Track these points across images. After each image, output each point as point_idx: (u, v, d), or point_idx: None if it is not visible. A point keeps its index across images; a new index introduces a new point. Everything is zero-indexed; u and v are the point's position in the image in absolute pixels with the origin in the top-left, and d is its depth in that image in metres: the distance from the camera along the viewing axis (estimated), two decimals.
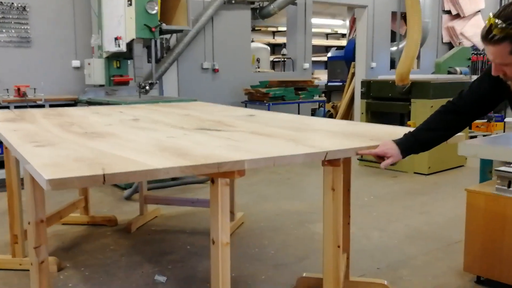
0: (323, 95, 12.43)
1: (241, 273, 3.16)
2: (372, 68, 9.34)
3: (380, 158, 2.10)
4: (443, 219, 4.24)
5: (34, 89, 5.39)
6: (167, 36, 6.34)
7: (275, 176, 5.95)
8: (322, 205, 2.30)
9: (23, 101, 5.22)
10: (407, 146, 2.10)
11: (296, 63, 8.27)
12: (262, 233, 3.94)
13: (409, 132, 2.15)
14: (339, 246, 2.26)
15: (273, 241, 3.75)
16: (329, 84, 11.76)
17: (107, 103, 4.74)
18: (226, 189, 1.87)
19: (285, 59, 8.79)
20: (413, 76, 6.26)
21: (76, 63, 6.12)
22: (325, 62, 13.03)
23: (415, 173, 5.97)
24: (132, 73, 5.72)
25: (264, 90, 6.73)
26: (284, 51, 9.00)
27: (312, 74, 15.10)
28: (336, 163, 2.13)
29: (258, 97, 6.85)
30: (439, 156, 5.77)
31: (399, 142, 2.11)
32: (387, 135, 2.32)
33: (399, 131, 2.32)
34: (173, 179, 5.06)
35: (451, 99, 2.15)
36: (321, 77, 13.69)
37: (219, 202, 1.86)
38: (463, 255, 2.96)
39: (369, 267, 3.25)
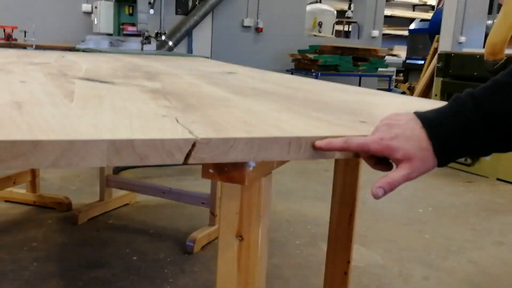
0: (401, 74, 10.80)
1: None
2: (460, 43, 7.62)
3: (378, 161, 0.82)
4: None
5: (25, 32, 4.47)
6: None
7: (309, 166, 4.67)
8: None
9: (8, 45, 4.30)
10: (456, 132, 0.75)
11: (363, 30, 6.81)
12: None
13: (467, 93, 0.79)
14: None
15: None
16: (408, 61, 10.08)
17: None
18: None
19: (350, 23, 7.34)
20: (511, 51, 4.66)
21: (86, 7, 5.15)
22: (407, 37, 11.29)
23: (499, 179, 4.43)
24: (153, 23, 4.65)
25: (311, 56, 5.40)
26: (349, 13, 7.55)
27: (391, 49, 13.39)
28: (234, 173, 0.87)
29: (305, 65, 5.55)
30: None
31: (431, 121, 0.76)
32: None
33: None
34: None
35: None
36: (402, 54, 11.99)
37: None
38: None
39: None
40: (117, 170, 3.98)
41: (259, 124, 0.85)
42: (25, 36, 4.51)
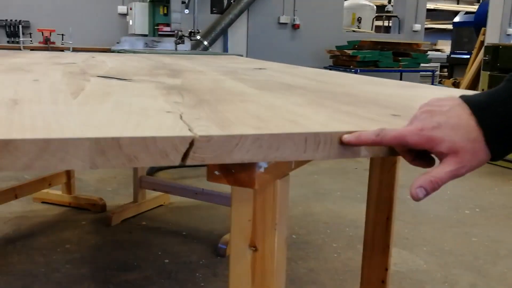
0: (445, 70, 10.41)
1: None
2: (508, 35, 7.25)
3: (417, 155, 0.69)
4: None
5: (62, 35, 4.51)
6: None
7: (349, 164, 4.52)
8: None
9: (46, 49, 4.36)
10: None
11: (404, 24, 6.56)
12: None
13: None
14: None
15: (292, 268, 2.44)
16: (452, 56, 9.71)
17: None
18: None
19: (390, 17, 7.09)
20: None
21: (122, 9, 5.17)
22: (451, 30, 10.87)
23: None
24: (187, 22, 4.62)
25: (350, 52, 5.23)
26: (388, 7, 7.29)
27: (435, 44, 12.95)
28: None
29: (344, 61, 5.38)
30: None
31: (482, 106, 0.63)
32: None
33: None
34: None
35: None
36: (446, 48, 11.57)
37: None
38: None
39: None
40: (153, 171, 3.96)
41: (274, 119, 0.75)
42: (62, 39, 4.56)
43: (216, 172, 0.68)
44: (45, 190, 3.16)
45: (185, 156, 0.61)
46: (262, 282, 0.75)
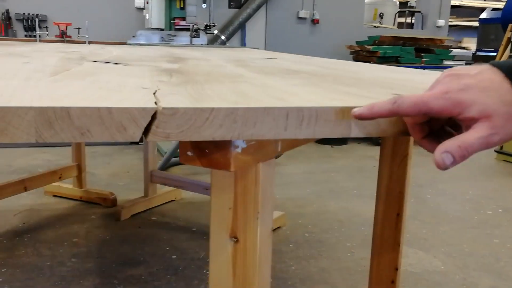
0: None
1: None
2: None
3: (429, 133, 0.61)
4: None
5: (78, 29, 4.50)
6: None
7: (368, 162, 4.41)
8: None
9: (62, 42, 4.35)
10: None
11: (427, 19, 6.39)
12: (297, 250, 2.54)
13: None
14: None
15: (303, 266, 2.35)
16: (478, 54, 9.44)
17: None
18: None
19: (413, 13, 6.89)
20: None
21: (139, 2, 5.14)
22: (477, 27, 10.60)
23: None
24: (204, 16, 4.56)
25: (370, 47, 5.10)
26: (412, 2, 7.10)
27: (460, 42, 12.64)
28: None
29: (364, 57, 5.25)
30: None
31: None
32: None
33: None
34: None
35: None
36: (472, 46, 11.29)
37: None
38: None
39: None
40: (165, 166, 3.92)
41: (259, 96, 0.67)
42: (78, 33, 4.54)
43: (189, 153, 0.61)
44: (56, 184, 3.14)
45: (147, 131, 0.53)
46: (244, 275, 0.67)
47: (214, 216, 0.68)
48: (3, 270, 2.22)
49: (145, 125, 0.53)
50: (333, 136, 0.58)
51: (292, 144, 0.69)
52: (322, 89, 0.80)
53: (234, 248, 0.67)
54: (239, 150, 0.59)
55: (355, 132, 0.59)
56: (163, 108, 0.53)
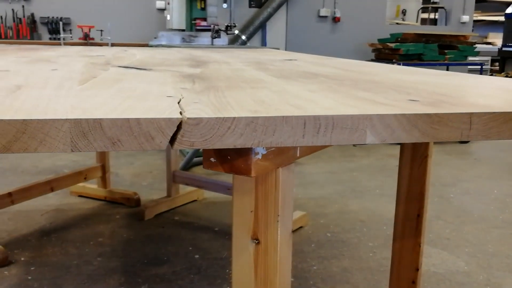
0: (496, 64, 9.97)
1: None
2: None
3: None
4: None
5: (101, 31, 4.59)
6: None
7: (391, 162, 4.39)
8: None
9: (85, 45, 4.44)
10: None
11: (451, 15, 6.31)
12: (319, 249, 2.56)
13: None
14: None
15: (325, 266, 2.36)
16: (504, 49, 9.28)
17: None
18: None
19: (437, 9, 6.81)
20: None
21: (160, 4, 5.21)
22: (503, 22, 10.40)
23: None
24: (225, 16, 4.60)
25: (392, 45, 5.07)
26: None
27: (485, 37, 12.42)
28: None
29: (386, 55, 5.22)
30: None
31: None
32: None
33: None
34: None
35: None
36: (497, 41, 11.09)
37: None
38: None
39: None
40: (187, 166, 3.97)
41: (277, 104, 0.69)
42: (101, 35, 4.64)
43: (212, 159, 0.64)
44: (81, 184, 3.21)
45: (173, 140, 0.56)
46: (265, 275, 0.70)
47: (236, 218, 0.71)
48: (32, 268, 2.29)
49: (171, 134, 0.56)
50: (349, 143, 0.60)
51: (311, 149, 0.72)
52: (340, 94, 0.82)
53: (256, 250, 0.70)
54: (259, 156, 0.62)
55: (370, 139, 0.61)
56: (188, 118, 0.56)
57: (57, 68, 1.27)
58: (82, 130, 0.54)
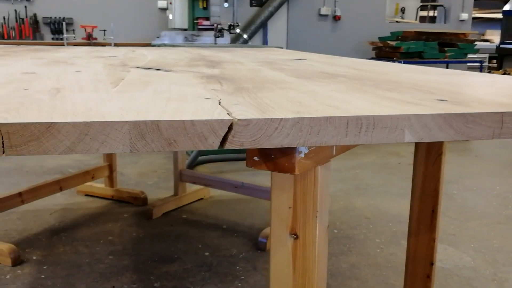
0: (494, 61, 10.04)
1: None
2: None
3: None
4: None
5: (104, 31, 4.61)
6: None
7: (393, 159, 4.43)
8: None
9: (88, 45, 4.46)
10: None
11: (450, 13, 6.36)
12: None
13: None
14: None
15: (333, 262, 2.40)
16: (502, 46, 9.35)
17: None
18: None
19: (436, 7, 6.86)
20: None
21: (162, 3, 5.23)
22: (501, 20, 10.46)
23: None
24: (227, 16, 4.64)
25: (393, 43, 5.11)
26: None
27: (483, 34, 12.50)
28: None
29: (387, 53, 5.26)
30: None
31: None
32: None
33: None
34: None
35: None
36: (495, 38, 11.16)
37: None
38: None
39: None
40: (192, 165, 4.00)
41: (315, 104, 0.72)
42: (104, 35, 4.65)
43: (256, 158, 0.67)
44: (88, 183, 3.24)
45: (224, 140, 0.59)
46: (303, 270, 0.73)
47: (274, 214, 0.74)
48: (44, 267, 2.31)
49: (223, 135, 0.59)
50: (388, 141, 0.63)
51: (345, 148, 0.75)
52: (368, 94, 0.85)
53: (294, 244, 0.73)
54: (302, 155, 0.65)
55: (408, 138, 0.64)
56: (238, 119, 0.59)
57: (80, 70, 1.29)
58: (141, 131, 0.57)
